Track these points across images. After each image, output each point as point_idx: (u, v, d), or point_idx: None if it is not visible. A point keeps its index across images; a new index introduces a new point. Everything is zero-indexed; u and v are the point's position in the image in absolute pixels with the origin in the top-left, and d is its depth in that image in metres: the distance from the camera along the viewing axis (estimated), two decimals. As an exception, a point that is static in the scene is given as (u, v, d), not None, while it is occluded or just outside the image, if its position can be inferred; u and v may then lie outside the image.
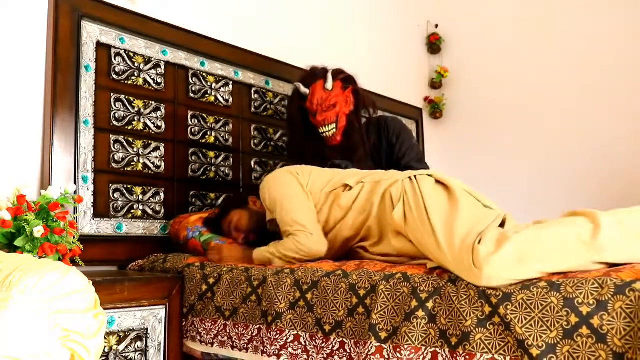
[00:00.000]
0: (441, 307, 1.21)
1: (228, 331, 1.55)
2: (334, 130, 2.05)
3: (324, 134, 2.06)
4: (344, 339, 1.33)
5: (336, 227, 1.65)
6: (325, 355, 1.35)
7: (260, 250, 1.67)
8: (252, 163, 2.43)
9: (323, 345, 1.35)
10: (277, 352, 1.41)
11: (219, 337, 1.56)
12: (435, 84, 3.62)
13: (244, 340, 1.51)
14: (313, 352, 1.37)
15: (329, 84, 2.03)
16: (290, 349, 1.40)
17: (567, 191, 3.03)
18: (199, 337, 1.61)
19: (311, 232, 1.58)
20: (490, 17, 3.45)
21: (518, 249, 1.15)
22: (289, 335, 1.41)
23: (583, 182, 2.97)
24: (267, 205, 1.73)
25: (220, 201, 2.27)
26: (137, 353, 1.54)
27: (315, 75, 2.07)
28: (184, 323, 1.67)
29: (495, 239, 1.20)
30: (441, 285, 1.24)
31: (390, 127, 2.18)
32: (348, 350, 1.32)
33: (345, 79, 2.09)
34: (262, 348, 1.45)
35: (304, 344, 1.39)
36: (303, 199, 1.66)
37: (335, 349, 1.33)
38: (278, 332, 1.43)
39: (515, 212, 3.23)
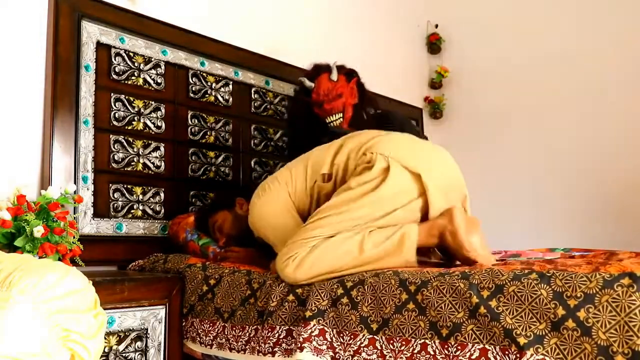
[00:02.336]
0: (429, 300, 1.22)
1: (226, 333, 1.55)
2: (341, 119, 2.04)
3: (331, 124, 2.05)
4: (325, 327, 1.34)
5: None
6: (302, 340, 1.34)
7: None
8: (252, 163, 2.43)
9: (301, 331, 1.35)
10: (271, 350, 1.41)
11: (218, 338, 1.56)
12: (435, 84, 3.61)
13: (241, 341, 1.51)
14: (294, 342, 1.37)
15: (334, 75, 2.05)
16: (284, 345, 1.40)
17: (568, 191, 3.03)
18: (198, 339, 1.61)
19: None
20: (491, 18, 3.44)
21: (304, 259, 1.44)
22: (281, 332, 1.42)
23: (583, 182, 2.97)
24: (264, 239, 1.69)
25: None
26: (137, 353, 1.54)
27: (319, 69, 2.10)
28: (183, 323, 1.66)
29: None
30: (429, 277, 1.26)
31: (390, 117, 2.17)
32: (329, 339, 1.32)
33: (348, 73, 2.11)
34: (257, 347, 1.46)
35: (295, 337, 1.39)
36: (291, 225, 1.61)
37: (314, 334, 1.34)
38: (269, 329, 1.43)
39: (516, 211, 3.24)
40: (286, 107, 2.51)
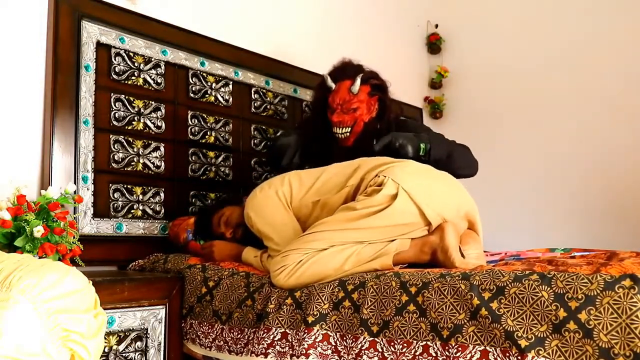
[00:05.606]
0: (430, 301, 1.22)
1: (224, 335, 1.55)
2: (348, 134, 1.99)
3: (337, 135, 2.01)
4: (328, 332, 1.34)
5: None
6: (306, 347, 1.34)
7: (250, 253, 1.74)
8: (252, 163, 2.43)
9: (305, 336, 1.35)
10: (264, 351, 1.41)
11: (217, 341, 1.56)
12: (435, 84, 3.61)
13: (240, 344, 1.50)
14: (296, 344, 1.37)
15: (356, 87, 1.95)
16: (277, 347, 1.40)
17: (567, 191, 3.03)
18: (198, 340, 1.61)
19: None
20: (491, 17, 3.44)
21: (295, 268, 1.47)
22: (277, 333, 1.41)
23: (583, 182, 2.97)
24: (255, 232, 1.71)
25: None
26: (137, 353, 1.54)
27: (345, 72, 2.01)
28: (182, 325, 1.66)
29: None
30: (430, 279, 1.26)
31: (409, 127, 2.09)
32: (333, 343, 1.32)
33: (375, 86, 2.02)
34: (252, 349, 1.46)
35: (290, 340, 1.39)
36: (288, 223, 1.65)
37: (318, 340, 1.34)
38: (265, 330, 1.43)
39: (516, 212, 3.23)
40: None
